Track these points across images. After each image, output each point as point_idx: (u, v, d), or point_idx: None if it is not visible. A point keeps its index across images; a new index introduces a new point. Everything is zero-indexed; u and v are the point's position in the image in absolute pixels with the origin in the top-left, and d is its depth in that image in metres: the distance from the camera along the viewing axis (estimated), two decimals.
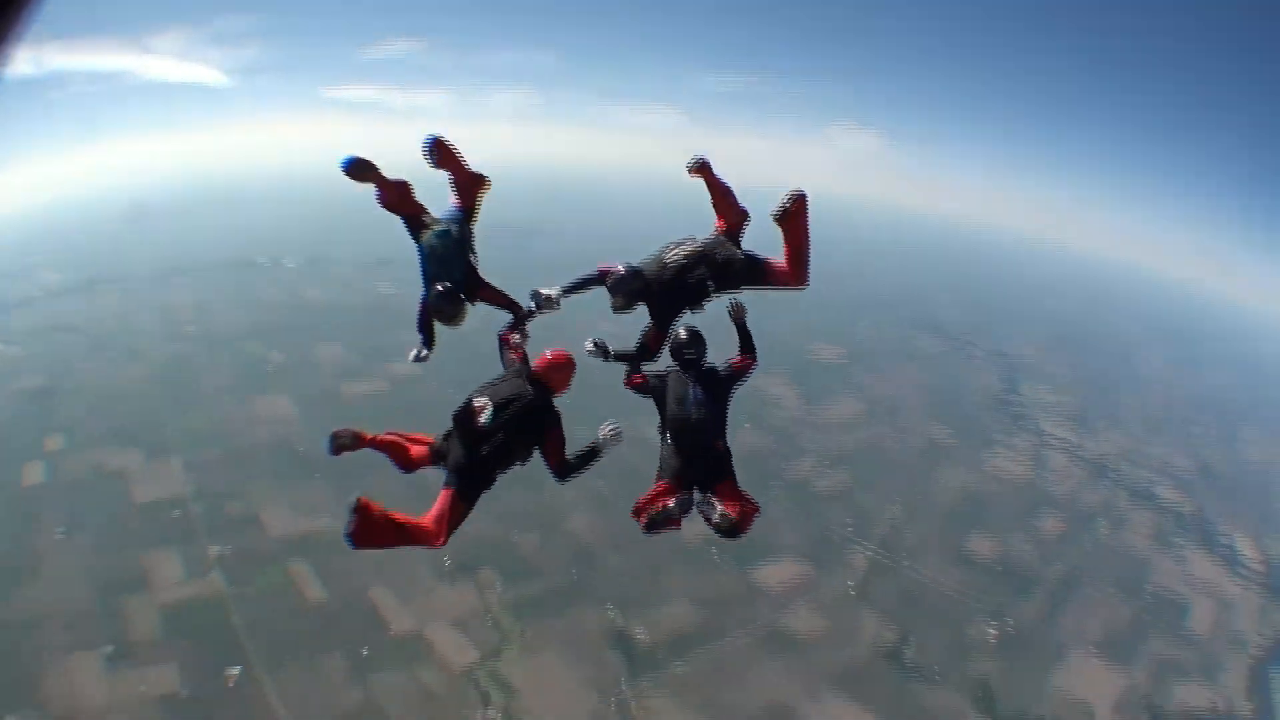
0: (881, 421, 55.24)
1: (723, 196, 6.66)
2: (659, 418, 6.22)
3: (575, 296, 6.59)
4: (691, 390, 6.09)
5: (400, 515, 5.31)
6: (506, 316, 6.52)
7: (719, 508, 5.65)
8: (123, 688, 25.94)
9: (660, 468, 6.08)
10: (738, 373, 6.42)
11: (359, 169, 6.06)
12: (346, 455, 5.86)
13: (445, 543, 5.44)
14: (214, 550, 32.31)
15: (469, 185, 6.41)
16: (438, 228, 6.23)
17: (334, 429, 5.71)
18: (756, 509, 5.82)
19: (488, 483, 5.77)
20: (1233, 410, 73.89)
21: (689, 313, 6.63)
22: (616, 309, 6.54)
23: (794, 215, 6.13)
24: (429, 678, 27.35)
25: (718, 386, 6.20)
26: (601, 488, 34.12)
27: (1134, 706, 31.64)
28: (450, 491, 5.60)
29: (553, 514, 35.48)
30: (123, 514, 34.31)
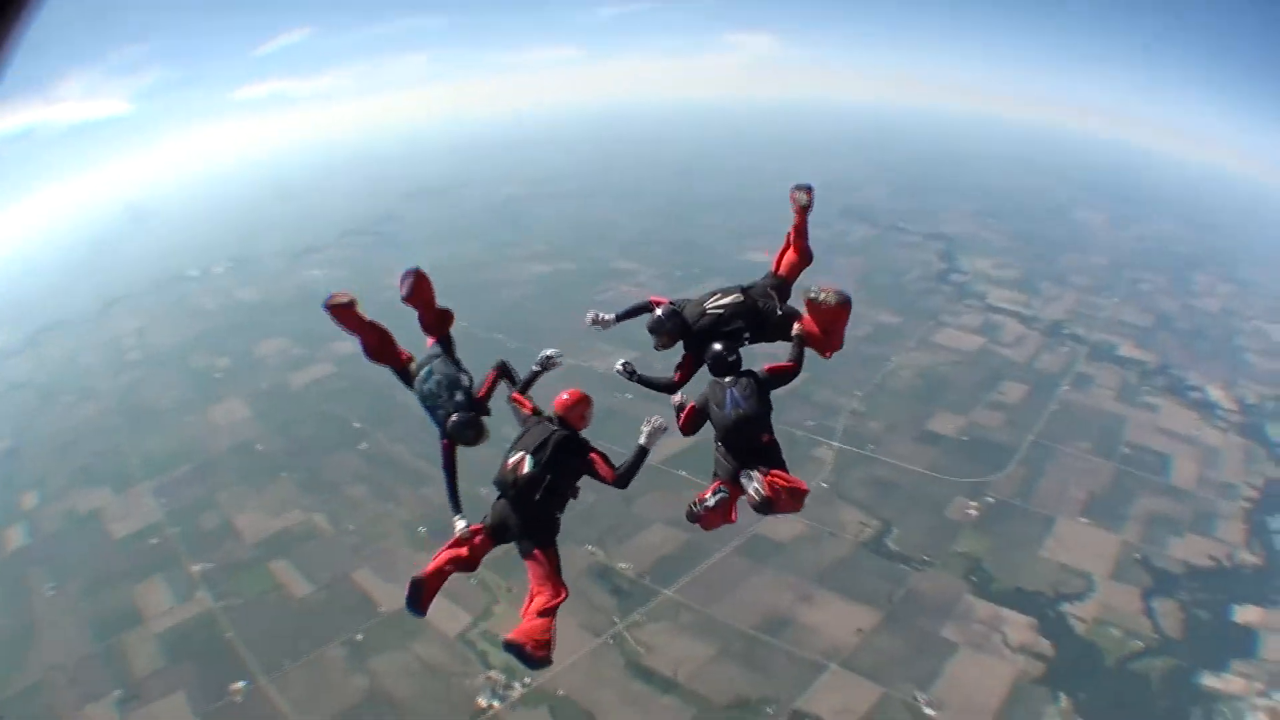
0: None
1: (801, 236, 6.93)
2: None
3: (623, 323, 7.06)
4: (729, 393, 6.24)
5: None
6: None
7: (755, 483, 5.87)
8: None
9: (715, 472, 6.33)
10: (775, 375, 6.51)
11: (338, 309, 6.11)
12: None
13: (567, 592, 5.77)
14: (196, 568, 32.11)
15: (436, 324, 6.54)
16: (423, 372, 6.27)
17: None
18: (802, 488, 5.97)
19: (555, 526, 5.99)
20: (1181, 261, 72.26)
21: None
22: (656, 347, 6.83)
23: (832, 313, 6.38)
24: (426, 650, 27.34)
25: (758, 387, 6.33)
26: None
27: (1132, 567, 31.42)
28: (533, 557, 5.84)
29: None
30: (105, 553, 33.87)
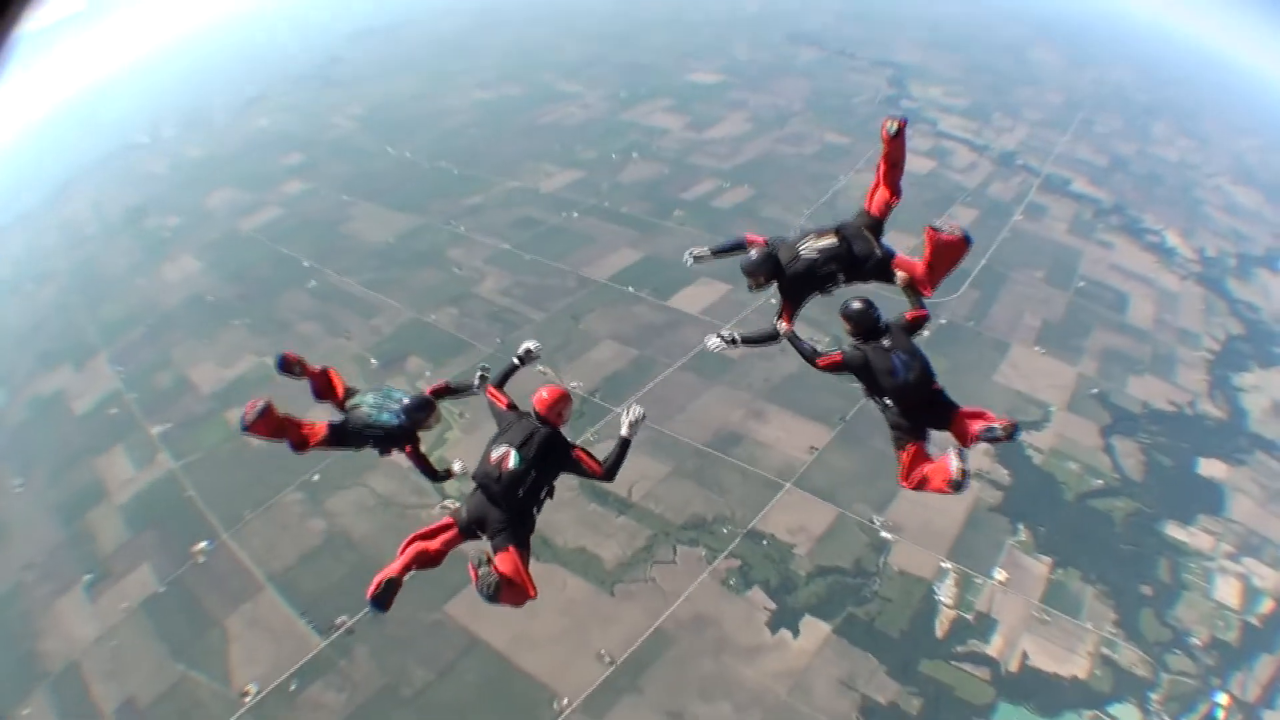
0: (772, 133, 54.10)
1: (894, 167, 6.87)
2: (865, 387, 6.61)
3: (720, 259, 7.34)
4: (895, 358, 6.30)
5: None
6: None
7: (962, 461, 6.15)
8: (108, 612, 25.69)
9: (897, 437, 6.51)
10: (914, 324, 6.70)
11: (287, 366, 6.82)
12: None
13: (536, 592, 5.86)
14: (155, 430, 31.63)
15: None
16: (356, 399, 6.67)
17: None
18: (989, 418, 6.37)
19: (532, 524, 6.06)
20: (1139, 109, 70.06)
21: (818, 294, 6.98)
22: (750, 288, 6.98)
23: (951, 248, 6.56)
24: (382, 485, 27.13)
25: (907, 338, 6.48)
26: (507, 250, 32.69)
27: (1089, 402, 31.14)
28: (508, 550, 5.80)
29: (463, 283, 34.30)
30: (68, 433, 33.47)
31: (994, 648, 25.24)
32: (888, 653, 24.45)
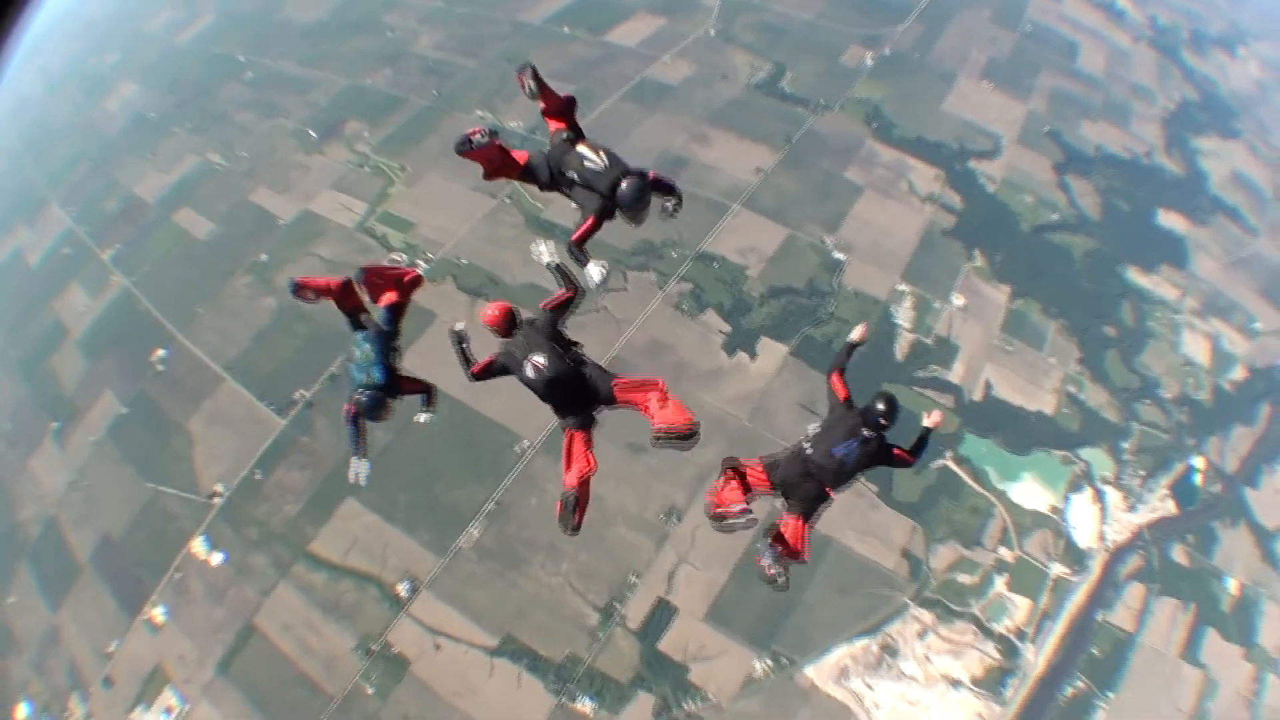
0: None
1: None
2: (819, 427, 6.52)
3: None
4: (851, 444, 6.21)
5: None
6: None
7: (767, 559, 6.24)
8: (76, 452, 25.27)
9: (773, 465, 6.41)
10: (894, 460, 6.45)
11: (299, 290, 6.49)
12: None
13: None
14: (107, 254, 31.00)
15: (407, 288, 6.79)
16: (360, 336, 6.38)
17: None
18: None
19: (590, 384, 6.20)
20: None
21: None
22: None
23: None
24: (329, 249, 26.53)
25: (873, 457, 6.30)
26: (440, 7, 32.10)
27: (1041, 139, 30.54)
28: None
29: (397, 44, 33.45)
30: (25, 288, 32.61)
31: (956, 374, 24.77)
32: (848, 371, 23.85)
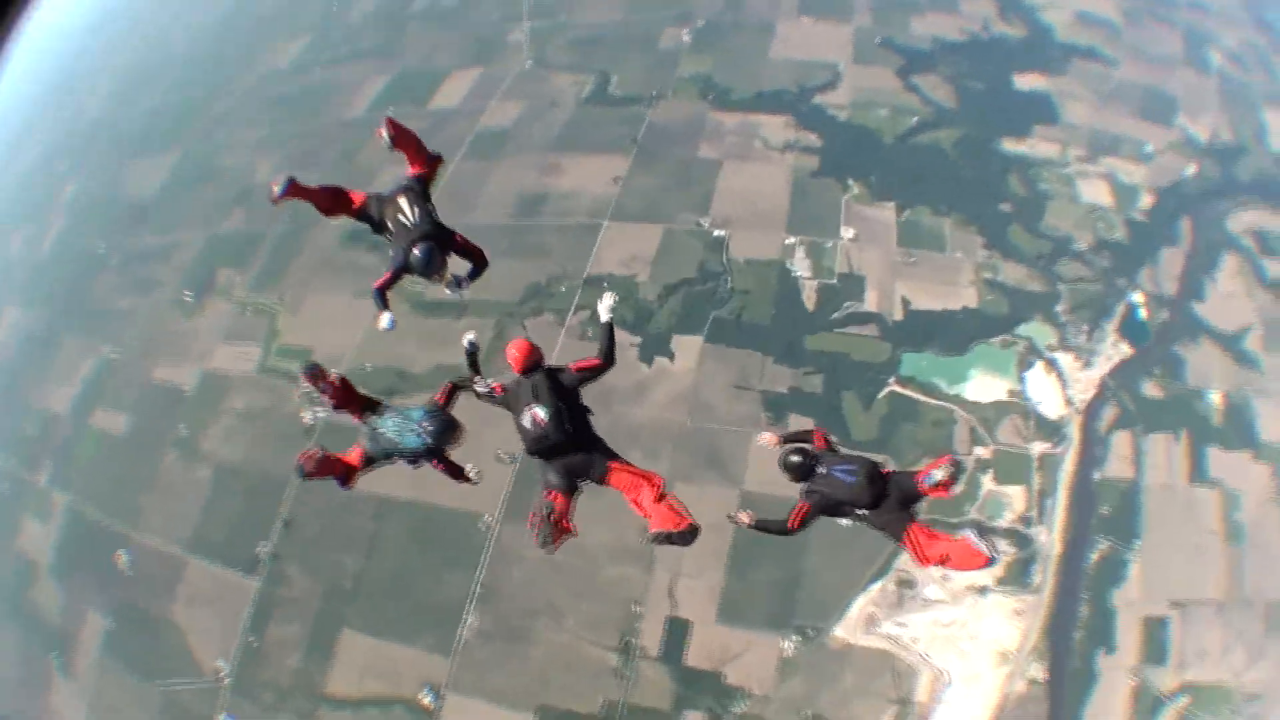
0: None
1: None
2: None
3: None
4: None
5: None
6: None
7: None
8: (83, 675, 24.81)
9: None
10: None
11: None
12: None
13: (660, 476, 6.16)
14: (41, 478, 29.79)
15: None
16: (379, 422, 6.31)
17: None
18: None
19: (601, 441, 6.23)
20: None
21: None
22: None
23: None
24: (239, 400, 26.40)
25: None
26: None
27: (876, 51, 30.22)
28: (611, 468, 6.12)
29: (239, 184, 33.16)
30: None
31: (871, 303, 24.80)
32: (768, 341, 23.96)
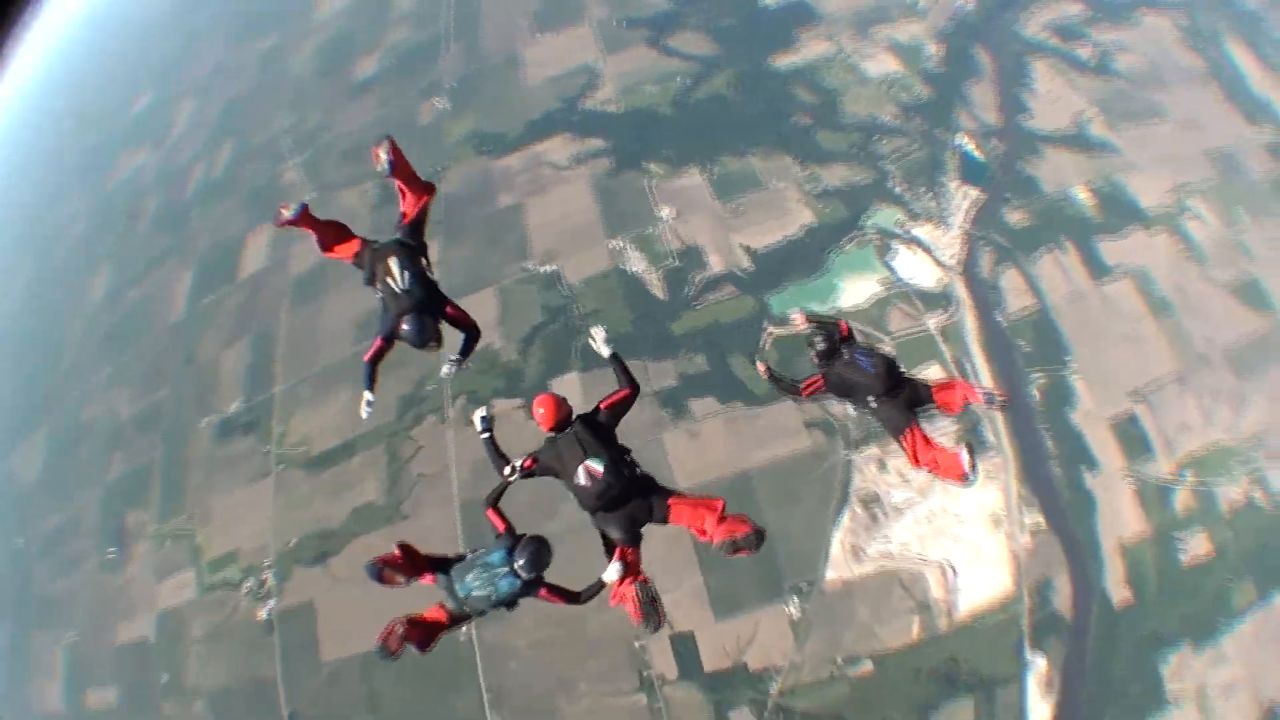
0: None
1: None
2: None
3: None
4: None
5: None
6: None
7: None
8: None
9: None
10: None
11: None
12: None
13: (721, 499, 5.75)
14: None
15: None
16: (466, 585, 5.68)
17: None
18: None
19: (652, 479, 5.91)
20: None
21: None
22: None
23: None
24: (196, 629, 26.12)
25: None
26: None
27: (623, 33, 30.42)
28: (669, 507, 5.75)
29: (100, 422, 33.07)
30: None
31: (716, 265, 24.89)
32: (639, 343, 24.01)
